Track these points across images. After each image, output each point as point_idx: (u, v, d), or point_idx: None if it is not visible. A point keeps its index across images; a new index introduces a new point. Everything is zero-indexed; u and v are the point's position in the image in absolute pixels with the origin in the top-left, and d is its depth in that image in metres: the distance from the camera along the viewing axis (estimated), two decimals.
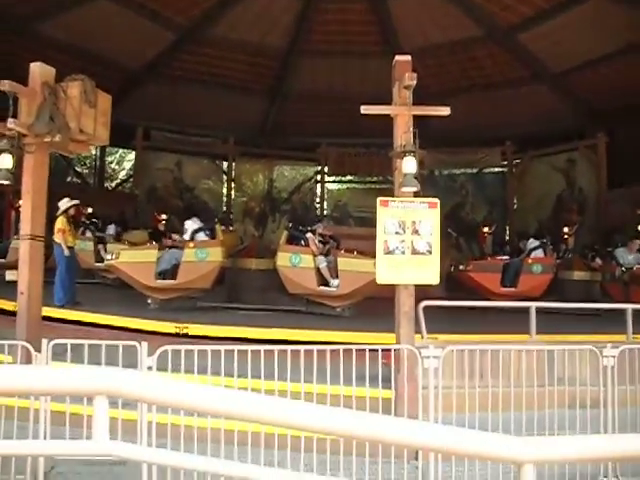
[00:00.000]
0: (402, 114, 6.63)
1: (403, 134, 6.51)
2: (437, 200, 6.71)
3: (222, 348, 5.58)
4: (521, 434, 5.71)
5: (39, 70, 6.87)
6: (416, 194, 6.80)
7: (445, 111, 6.68)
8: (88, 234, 14.72)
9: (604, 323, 9.69)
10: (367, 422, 2.19)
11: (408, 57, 6.81)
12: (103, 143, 8.19)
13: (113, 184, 24.60)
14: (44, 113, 6.74)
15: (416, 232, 6.56)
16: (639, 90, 17.20)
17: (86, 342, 5.72)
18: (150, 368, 5.30)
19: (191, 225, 11.27)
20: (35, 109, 6.74)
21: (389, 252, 6.54)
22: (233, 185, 22.54)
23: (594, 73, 17.88)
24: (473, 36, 18.11)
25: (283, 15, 17.99)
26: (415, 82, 6.41)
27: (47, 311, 8.23)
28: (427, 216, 6.59)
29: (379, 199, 6.63)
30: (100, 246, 14.46)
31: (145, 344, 5.41)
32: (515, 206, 21.69)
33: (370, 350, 5.88)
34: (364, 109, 6.65)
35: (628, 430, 6.11)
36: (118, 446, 2.21)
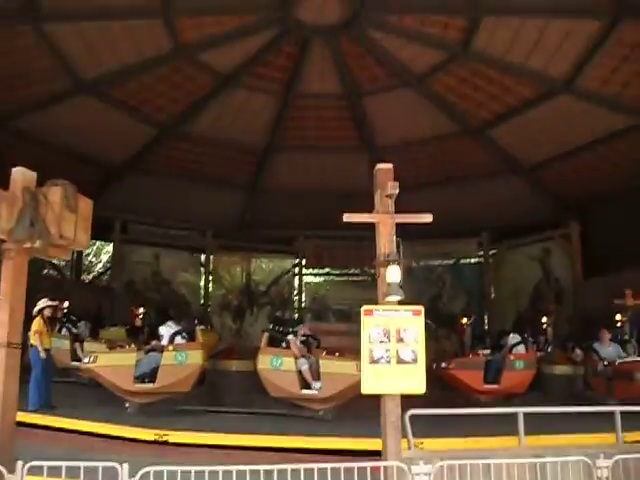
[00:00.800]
0: (385, 222, 6.64)
1: (387, 242, 6.52)
2: (421, 307, 6.66)
3: (207, 469, 5.37)
4: None
5: (21, 175, 6.81)
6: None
7: (428, 218, 6.71)
8: (64, 332, 14.39)
9: (592, 419, 9.55)
10: None
11: (389, 165, 6.88)
12: (83, 247, 8.10)
13: (90, 277, 24.39)
14: (24, 218, 6.63)
15: (401, 340, 6.47)
16: (607, 180, 17.81)
17: (64, 464, 5.47)
18: None
19: (167, 331, 11.10)
20: (15, 214, 6.65)
21: (374, 361, 6.43)
22: (211, 278, 22.44)
23: (564, 165, 18.46)
24: (447, 132, 18.64)
25: (260, 111, 18.36)
26: (397, 191, 6.47)
27: (21, 416, 7.94)
28: (411, 324, 6.53)
29: (363, 308, 6.56)
30: (77, 344, 14.12)
31: (126, 466, 5.19)
32: (493, 296, 21.77)
33: (359, 467, 5.69)
34: (346, 217, 6.66)
35: None
36: None
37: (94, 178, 18.47)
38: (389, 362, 6.44)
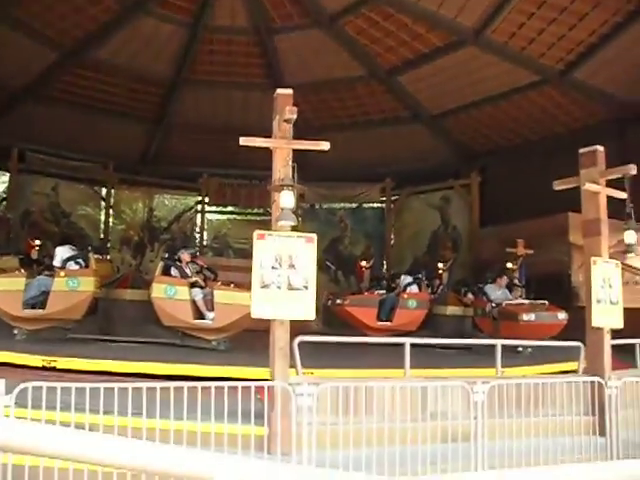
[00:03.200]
0: (281, 148, 6.59)
1: (282, 168, 6.47)
2: (314, 235, 6.67)
3: (87, 385, 5.28)
4: (395, 469, 5.72)
5: None
6: (295, 228, 6.76)
7: (324, 146, 6.68)
8: None
9: (475, 357, 10.00)
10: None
11: (289, 90, 6.80)
12: None
13: None
14: None
15: (292, 267, 6.48)
16: (508, 134, 18.32)
17: None
18: (7, 407, 4.94)
19: (62, 252, 10.77)
20: None
21: (265, 286, 6.42)
22: (111, 212, 21.86)
23: (468, 116, 18.78)
24: (355, 75, 18.58)
25: (168, 43, 17.80)
26: (295, 116, 6.40)
27: None
28: (304, 251, 6.54)
29: (256, 232, 6.53)
30: None
31: (2, 381, 5.03)
32: (392, 241, 22.16)
33: (243, 387, 5.73)
34: (243, 140, 6.57)
35: (496, 463, 6.25)
36: None
37: None
38: (280, 287, 6.44)
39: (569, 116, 17.12)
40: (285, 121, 6.49)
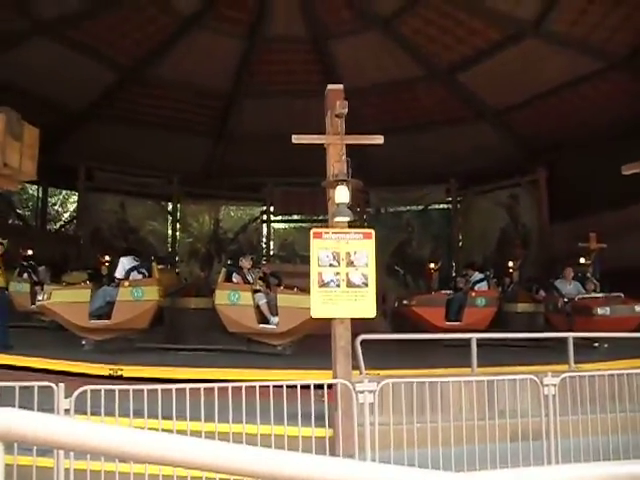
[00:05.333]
0: (334, 143, 6.50)
1: (335, 163, 6.38)
2: (372, 230, 6.55)
3: (145, 388, 5.28)
4: (462, 470, 5.52)
5: None
6: (352, 224, 6.66)
7: (379, 140, 6.57)
8: (25, 276, 14.22)
9: (548, 354, 9.64)
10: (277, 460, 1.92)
11: (340, 86, 6.72)
12: (31, 178, 7.80)
13: (57, 226, 24.06)
14: None
15: (351, 264, 6.36)
16: (574, 126, 17.75)
17: None
18: (67, 411, 4.98)
19: (125, 263, 10.93)
20: None
21: (324, 285, 6.33)
22: (178, 226, 22.24)
23: (532, 110, 18.31)
24: (415, 75, 18.40)
25: (226, 56, 18.00)
26: (346, 110, 6.31)
27: None
28: (362, 247, 6.41)
29: (312, 230, 6.47)
30: (37, 288, 13.93)
31: (62, 385, 5.08)
32: (460, 242, 21.83)
33: (302, 387, 5.63)
34: (295, 138, 6.54)
35: (572, 461, 5.97)
36: None
37: (57, 124, 18.02)
38: (339, 286, 6.34)
39: (637, 101, 16.47)
40: (337, 116, 6.42)
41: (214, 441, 1.83)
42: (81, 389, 5.07)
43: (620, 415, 6.49)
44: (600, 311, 11.40)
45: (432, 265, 19.07)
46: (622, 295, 12.09)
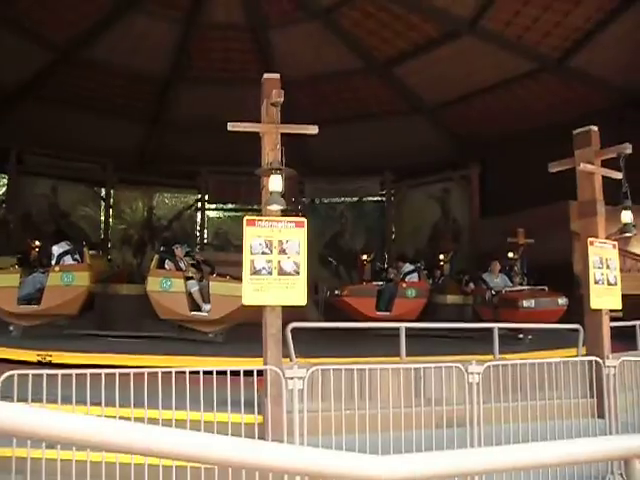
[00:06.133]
0: (269, 132, 6.52)
1: (270, 152, 6.41)
2: (304, 219, 6.61)
3: (73, 372, 5.22)
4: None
5: None
6: (285, 213, 6.70)
7: (313, 130, 6.61)
8: None
9: (474, 345, 9.90)
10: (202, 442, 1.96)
11: (276, 75, 6.73)
12: None
13: None
14: None
15: (283, 252, 6.40)
16: (507, 123, 18.17)
17: None
18: None
19: (57, 249, 10.72)
20: None
21: (255, 272, 6.35)
22: (111, 212, 21.84)
23: (467, 107, 18.66)
24: (353, 68, 18.47)
25: (163, 41, 17.70)
26: (282, 99, 6.33)
27: None
28: (294, 235, 6.45)
29: (245, 218, 6.47)
30: None
31: None
32: (393, 234, 22.10)
33: (232, 373, 5.65)
34: (231, 126, 6.53)
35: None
36: None
37: None
38: (270, 273, 6.36)
39: (567, 104, 16.93)
40: (272, 105, 6.43)
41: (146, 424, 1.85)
42: (7, 373, 4.97)
43: (540, 403, 6.74)
44: (525, 304, 11.76)
45: (364, 257, 19.28)
46: (546, 288, 12.48)
